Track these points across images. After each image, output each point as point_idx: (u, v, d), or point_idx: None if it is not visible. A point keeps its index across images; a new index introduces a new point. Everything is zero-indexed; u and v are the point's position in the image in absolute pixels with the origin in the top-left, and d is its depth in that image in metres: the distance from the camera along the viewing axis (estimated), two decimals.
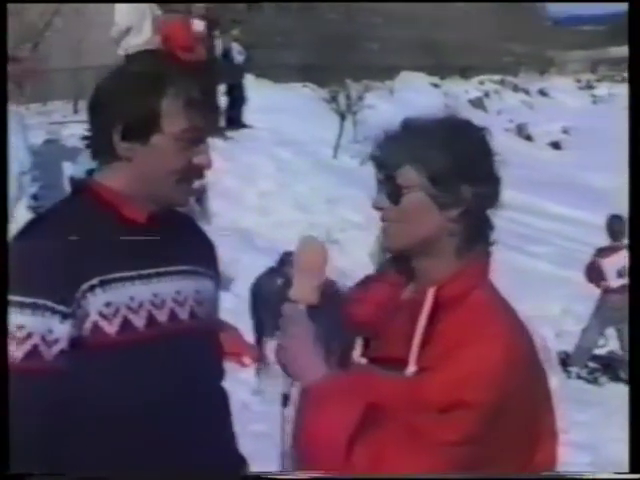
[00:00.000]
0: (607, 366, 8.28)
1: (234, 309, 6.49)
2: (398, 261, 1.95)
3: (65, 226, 1.97)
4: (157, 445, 1.96)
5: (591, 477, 1.97)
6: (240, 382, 5.22)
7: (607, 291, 8.08)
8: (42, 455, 1.86)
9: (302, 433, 1.80)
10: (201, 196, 10.20)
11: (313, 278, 1.91)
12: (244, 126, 14.73)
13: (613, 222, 8.15)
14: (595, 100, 32.88)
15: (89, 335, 1.90)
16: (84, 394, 1.90)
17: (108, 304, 1.91)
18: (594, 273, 8.22)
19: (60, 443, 1.89)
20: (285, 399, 1.90)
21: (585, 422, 6.36)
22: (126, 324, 1.93)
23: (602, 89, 34.20)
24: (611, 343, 8.36)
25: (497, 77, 32.58)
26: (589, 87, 35.83)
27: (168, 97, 1.95)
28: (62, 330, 1.87)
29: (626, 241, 7.69)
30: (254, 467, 2.22)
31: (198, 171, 2.02)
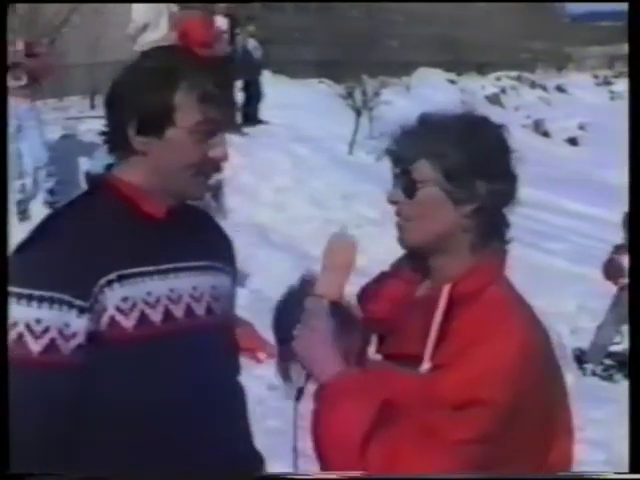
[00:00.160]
0: (623, 363, 8.24)
1: (249, 305, 6.51)
2: (413, 258, 1.95)
3: (84, 221, 1.98)
4: (172, 440, 1.97)
5: (591, 477, 1.97)
6: (255, 377, 5.23)
7: (623, 288, 8.05)
8: (55, 448, 1.87)
9: (317, 429, 1.80)
10: (217, 192, 10.22)
11: (340, 275, 1.91)
12: (260, 122, 14.73)
13: None
14: (613, 96, 32.69)
15: (106, 329, 1.91)
16: (101, 388, 1.91)
17: (125, 299, 1.92)
18: (613, 270, 8.19)
19: (73, 438, 1.90)
20: (299, 393, 1.91)
21: (600, 419, 6.33)
22: (143, 319, 1.94)
23: (620, 85, 33.96)
24: (626, 340, 8.33)
25: (514, 73, 32.43)
26: (607, 83, 35.63)
27: (181, 91, 1.95)
28: (79, 324, 1.88)
29: None
30: (269, 463, 2.22)
31: (214, 164, 2.03)
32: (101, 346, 1.91)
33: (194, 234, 2.10)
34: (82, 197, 2.08)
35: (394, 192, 1.90)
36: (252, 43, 15.49)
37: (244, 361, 2.30)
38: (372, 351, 1.95)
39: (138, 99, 1.95)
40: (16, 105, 8.65)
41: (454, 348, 1.76)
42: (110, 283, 1.91)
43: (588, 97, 31.83)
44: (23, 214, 9.22)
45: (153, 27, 10.54)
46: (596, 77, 36.91)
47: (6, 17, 3.21)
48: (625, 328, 8.23)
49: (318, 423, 1.80)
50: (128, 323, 1.93)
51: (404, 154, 1.88)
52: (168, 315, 1.98)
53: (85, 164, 9.78)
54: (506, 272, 1.92)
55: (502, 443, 1.72)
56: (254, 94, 14.97)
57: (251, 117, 14.54)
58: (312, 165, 12.84)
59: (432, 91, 23.38)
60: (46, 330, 1.86)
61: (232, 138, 10.94)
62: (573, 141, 24.99)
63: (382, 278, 2.04)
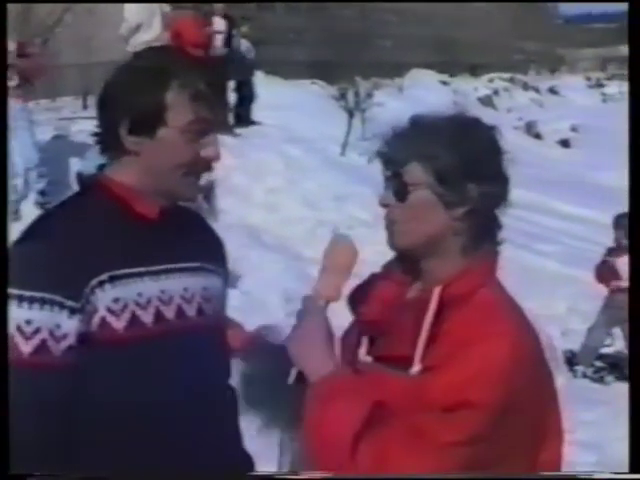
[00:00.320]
0: (613, 365, 8.25)
1: (241, 306, 6.51)
2: (404, 260, 1.95)
3: (75, 221, 1.97)
4: (163, 442, 1.97)
5: (591, 477, 1.97)
6: None
7: (615, 290, 8.06)
8: (47, 453, 1.87)
9: (308, 428, 1.80)
10: (209, 193, 10.21)
11: (340, 276, 1.92)
12: (253, 123, 14.73)
13: (625, 220, 8.09)
14: (605, 98, 32.77)
15: (97, 330, 1.91)
16: (91, 389, 1.91)
17: (116, 300, 1.92)
18: (607, 273, 8.18)
19: (67, 438, 1.89)
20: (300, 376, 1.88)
21: (591, 421, 6.34)
22: (134, 320, 1.94)
23: (612, 87, 34.08)
24: (617, 342, 8.35)
25: (507, 75, 32.51)
26: (599, 85, 35.73)
27: (173, 90, 1.95)
28: (70, 325, 1.88)
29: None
30: (260, 464, 2.22)
31: (206, 164, 2.02)
32: (92, 347, 1.90)
33: (186, 235, 2.10)
34: (74, 197, 2.07)
35: (385, 195, 1.90)
36: (245, 44, 15.49)
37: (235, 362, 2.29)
38: (363, 353, 1.95)
39: (130, 99, 1.95)
40: (8, 105, 8.62)
41: (444, 350, 1.76)
42: (101, 284, 1.91)
43: (580, 99, 31.90)
44: (14, 215, 9.20)
45: (146, 27, 10.55)
46: (588, 79, 37.01)
47: (6, 17, 3.19)
48: (616, 330, 8.24)
49: (309, 422, 1.80)
50: (119, 324, 1.92)
51: (395, 157, 1.88)
52: (159, 316, 1.97)
53: (77, 165, 9.76)
54: (497, 274, 1.92)
55: (492, 445, 1.72)
56: (247, 95, 14.97)
57: (243, 118, 14.54)
58: (304, 166, 12.84)
59: (425, 92, 23.42)
60: (37, 331, 1.85)
61: (224, 139, 10.93)
62: (565, 143, 25.05)
63: (373, 280, 2.04)
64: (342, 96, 17.10)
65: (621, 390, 7.21)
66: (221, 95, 2.10)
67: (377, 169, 1.94)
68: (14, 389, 1.83)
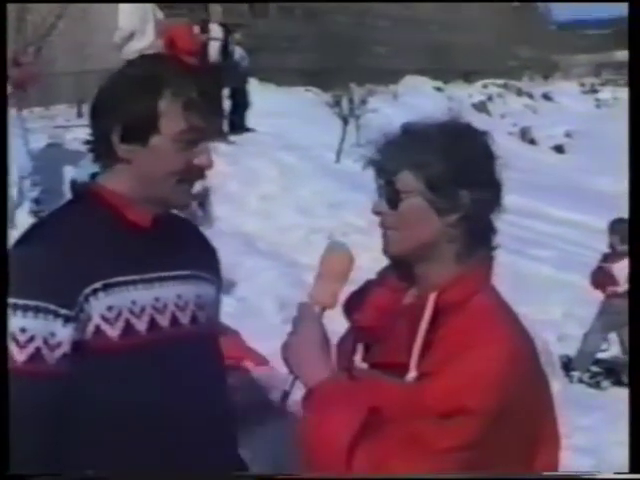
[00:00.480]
0: (609, 370, 8.26)
1: (236, 313, 6.50)
2: (399, 266, 1.95)
3: (68, 229, 1.97)
4: (157, 449, 1.96)
5: (590, 477, 1.97)
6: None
7: (611, 296, 8.06)
8: (42, 460, 1.86)
9: (304, 435, 1.80)
10: (204, 200, 10.21)
11: (335, 283, 1.92)
12: (247, 130, 14.74)
13: (620, 226, 8.10)
14: (599, 104, 32.84)
15: (91, 339, 1.90)
16: (86, 397, 1.91)
17: (110, 308, 1.92)
18: (603, 278, 8.18)
19: (60, 447, 1.89)
20: (285, 397, 1.91)
21: (587, 426, 6.34)
22: (128, 328, 1.93)
23: (606, 93, 34.17)
24: (613, 347, 8.35)
25: (501, 81, 32.58)
26: (593, 91, 35.81)
27: (166, 98, 1.95)
28: (64, 333, 1.87)
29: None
30: (253, 469, 2.22)
31: (198, 172, 2.02)
32: (86, 355, 1.90)
33: (179, 243, 2.09)
34: (67, 206, 2.07)
35: (378, 203, 1.90)
36: (239, 51, 15.51)
37: (230, 370, 2.29)
38: (358, 359, 1.95)
39: (123, 107, 1.95)
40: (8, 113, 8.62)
41: (440, 356, 1.76)
42: (95, 292, 1.91)
43: (574, 105, 31.97)
44: (9, 223, 9.18)
45: (139, 35, 10.55)
46: (582, 85, 37.10)
47: (6, 18, 3.19)
48: (612, 336, 8.25)
49: (305, 429, 1.80)
50: (113, 332, 1.92)
51: (387, 165, 1.88)
52: (153, 324, 1.97)
53: (71, 173, 9.75)
54: (492, 279, 1.92)
55: (488, 451, 1.72)
56: (241, 102, 14.99)
57: (238, 125, 14.55)
58: (299, 173, 12.85)
59: (419, 99, 23.46)
60: (31, 339, 1.85)
61: (219, 146, 10.94)
62: (559, 149, 25.11)
63: (368, 286, 2.04)
64: (336, 103, 17.12)
65: (617, 395, 7.23)
66: (215, 103, 2.11)
67: (371, 176, 1.94)
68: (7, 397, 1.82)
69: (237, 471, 2.16)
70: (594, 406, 7.19)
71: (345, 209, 11.45)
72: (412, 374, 1.79)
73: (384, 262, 2.00)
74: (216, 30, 14.25)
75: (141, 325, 1.95)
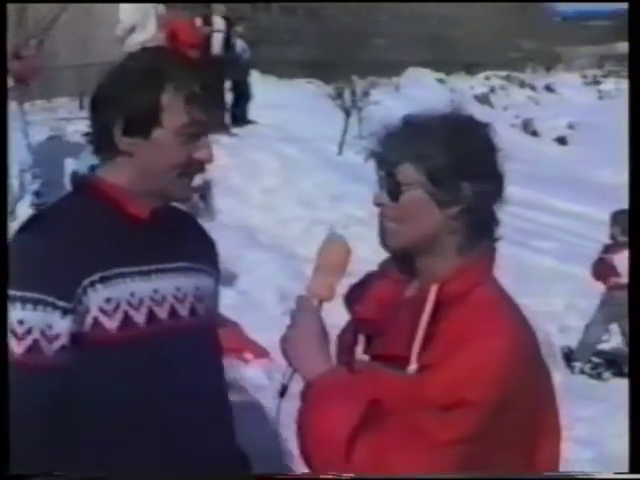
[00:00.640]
0: (611, 362, 8.25)
1: (237, 305, 6.50)
2: (400, 259, 1.94)
3: (67, 222, 1.97)
4: (156, 441, 1.96)
5: (591, 477, 1.97)
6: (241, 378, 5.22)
7: (612, 287, 8.05)
8: (40, 452, 1.86)
9: (303, 428, 1.80)
10: (206, 193, 10.21)
11: (333, 276, 1.92)
12: (249, 122, 14.74)
13: (622, 217, 8.08)
14: (601, 96, 32.76)
15: (90, 331, 1.90)
16: (84, 390, 1.91)
17: (108, 300, 1.92)
18: (604, 269, 8.17)
19: (59, 439, 1.89)
20: (283, 390, 1.91)
21: (588, 417, 6.33)
22: (126, 320, 1.93)
23: (608, 85, 34.08)
24: (615, 339, 8.35)
25: (503, 73, 32.51)
26: (595, 83, 35.73)
27: (168, 92, 1.95)
28: (63, 326, 1.88)
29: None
30: (255, 463, 2.22)
31: (199, 165, 2.03)
32: (84, 347, 1.90)
33: (177, 235, 2.09)
34: (66, 198, 2.07)
35: (379, 195, 1.90)
36: (240, 44, 15.50)
37: (230, 361, 2.29)
38: (360, 351, 1.95)
39: (125, 100, 1.95)
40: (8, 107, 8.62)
41: (441, 349, 1.76)
42: (93, 284, 1.91)
43: (577, 96, 31.89)
44: (10, 215, 9.18)
45: (141, 28, 10.54)
46: (585, 77, 36.99)
47: (6, 17, 3.18)
48: (613, 327, 8.25)
49: (304, 422, 1.80)
50: (112, 324, 1.92)
51: (389, 157, 1.88)
52: (152, 316, 1.97)
53: (72, 165, 9.75)
54: (494, 271, 1.92)
55: (489, 443, 1.72)
56: (242, 94, 14.98)
57: (239, 117, 14.54)
58: (301, 165, 12.84)
59: (421, 91, 23.40)
60: (29, 331, 1.85)
61: (220, 138, 10.93)
62: (562, 140, 25.06)
63: (370, 278, 2.04)
64: (338, 95, 17.10)
65: (619, 386, 7.22)
66: (217, 96, 2.10)
67: (373, 168, 1.94)
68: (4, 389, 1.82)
69: (236, 464, 2.16)
70: (595, 397, 7.18)
71: (347, 201, 11.44)
72: (413, 366, 1.78)
73: (385, 254, 2.00)
74: (218, 23, 14.25)
75: (139, 317, 1.95)
